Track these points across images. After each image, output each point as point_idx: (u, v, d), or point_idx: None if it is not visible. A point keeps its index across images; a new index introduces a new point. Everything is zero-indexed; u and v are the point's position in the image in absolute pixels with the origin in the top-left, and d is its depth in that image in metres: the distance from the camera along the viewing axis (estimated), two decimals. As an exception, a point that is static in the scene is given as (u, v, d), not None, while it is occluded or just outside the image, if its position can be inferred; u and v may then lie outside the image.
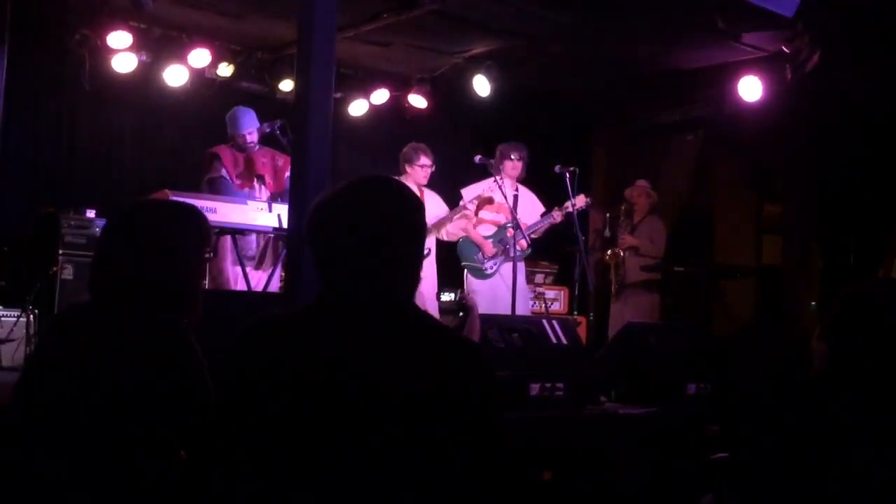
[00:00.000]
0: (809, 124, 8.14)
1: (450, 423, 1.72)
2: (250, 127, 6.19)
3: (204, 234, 2.41)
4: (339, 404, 1.71)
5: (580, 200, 6.44)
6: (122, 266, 2.28)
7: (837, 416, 2.11)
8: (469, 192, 6.71)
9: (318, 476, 1.69)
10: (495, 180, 6.45)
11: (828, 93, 7.48)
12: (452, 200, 6.92)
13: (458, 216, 6.70)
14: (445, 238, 6.83)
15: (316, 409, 1.71)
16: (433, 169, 6.73)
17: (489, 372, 1.84)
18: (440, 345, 1.82)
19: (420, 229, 1.95)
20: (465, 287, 6.74)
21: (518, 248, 6.41)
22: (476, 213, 6.79)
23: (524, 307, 6.62)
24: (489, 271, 6.67)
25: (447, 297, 7.46)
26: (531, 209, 6.79)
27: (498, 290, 6.52)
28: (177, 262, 2.31)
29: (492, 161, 6.52)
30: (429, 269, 6.57)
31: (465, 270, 6.79)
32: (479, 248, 6.69)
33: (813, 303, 8.32)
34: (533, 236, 6.67)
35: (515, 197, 6.61)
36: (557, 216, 6.60)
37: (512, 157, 6.64)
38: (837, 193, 8.30)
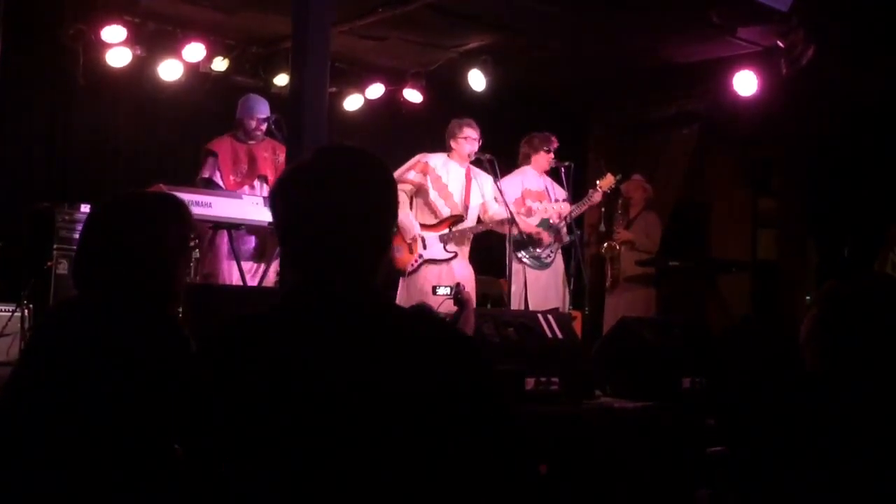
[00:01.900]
0: (805, 119, 8.15)
1: (447, 422, 1.61)
2: (264, 114, 6.03)
3: (187, 225, 2.40)
4: (326, 408, 1.58)
5: (609, 180, 6.68)
6: (105, 259, 2.27)
7: (836, 414, 2.10)
8: (508, 184, 6.52)
9: (313, 480, 1.59)
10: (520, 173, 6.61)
11: (823, 87, 7.49)
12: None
13: (522, 214, 6.53)
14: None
15: (302, 416, 1.58)
16: (480, 142, 6.37)
17: (482, 363, 1.71)
18: (428, 339, 1.69)
19: (392, 204, 1.76)
20: (510, 277, 6.50)
21: (566, 233, 6.68)
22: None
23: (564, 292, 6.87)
24: (548, 259, 6.70)
25: (442, 290, 7.41)
26: (563, 196, 6.83)
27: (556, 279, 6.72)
28: (161, 253, 2.30)
29: (487, 155, 6.36)
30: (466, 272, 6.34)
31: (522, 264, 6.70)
32: (534, 238, 6.58)
33: (808, 297, 8.34)
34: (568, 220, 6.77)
35: (545, 185, 6.73)
36: (597, 197, 6.69)
37: (547, 148, 6.70)
38: (833, 188, 8.32)
